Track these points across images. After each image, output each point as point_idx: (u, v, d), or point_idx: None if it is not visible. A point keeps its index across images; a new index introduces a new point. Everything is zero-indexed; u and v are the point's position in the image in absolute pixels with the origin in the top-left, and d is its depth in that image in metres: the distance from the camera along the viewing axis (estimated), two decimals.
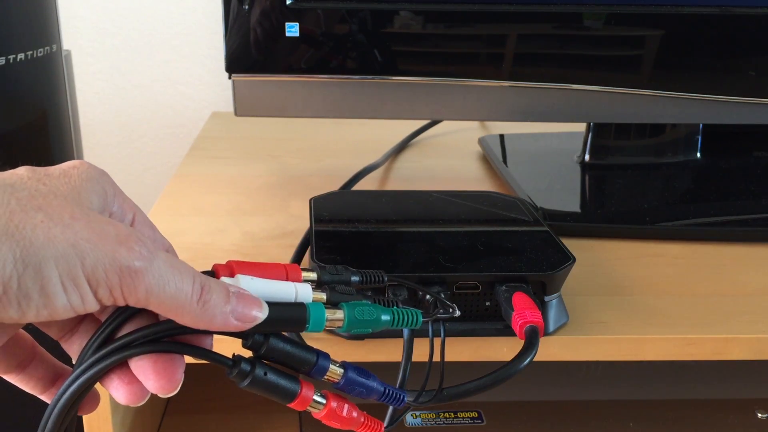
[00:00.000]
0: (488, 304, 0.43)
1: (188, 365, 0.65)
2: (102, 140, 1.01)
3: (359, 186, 0.66)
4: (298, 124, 0.86)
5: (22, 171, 0.28)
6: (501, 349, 0.43)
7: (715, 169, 0.69)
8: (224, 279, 0.31)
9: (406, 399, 0.35)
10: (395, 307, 0.34)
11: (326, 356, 0.33)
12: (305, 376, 0.33)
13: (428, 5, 0.55)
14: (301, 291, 0.33)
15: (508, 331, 0.42)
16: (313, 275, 0.34)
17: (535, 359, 0.38)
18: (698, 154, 0.70)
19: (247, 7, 0.54)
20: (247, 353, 0.32)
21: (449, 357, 0.43)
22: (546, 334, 0.43)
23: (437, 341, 0.38)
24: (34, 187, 0.27)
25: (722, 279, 0.52)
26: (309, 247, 0.47)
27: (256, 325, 0.30)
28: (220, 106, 1.00)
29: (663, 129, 0.69)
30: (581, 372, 0.60)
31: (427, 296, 0.40)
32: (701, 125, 0.69)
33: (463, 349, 0.43)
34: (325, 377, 0.33)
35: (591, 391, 0.58)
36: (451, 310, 0.38)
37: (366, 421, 0.34)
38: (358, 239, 0.46)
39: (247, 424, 0.56)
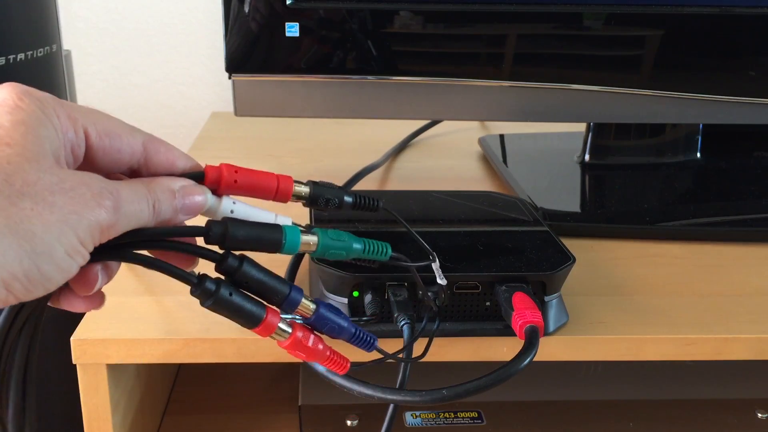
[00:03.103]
0: (488, 304, 0.43)
1: (188, 366, 0.65)
2: None
3: (359, 186, 0.66)
4: (298, 124, 0.86)
5: None
6: (501, 349, 0.43)
7: (715, 169, 0.69)
8: (209, 197, 0.32)
9: (376, 343, 0.35)
10: (367, 239, 0.35)
11: (299, 290, 0.33)
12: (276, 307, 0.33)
13: (428, 5, 0.55)
14: (281, 223, 0.33)
15: (508, 331, 0.42)
16: (305, 189, 0.35)
17: (535, 359, 0.38)
18: (698, 154, 0.70)
19: (247, 7, 0.54)
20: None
21: (449, 357, 0.44)
22: (546, 334, 0.43)
23: (435, 340, 0.38)
24: (3, 159, 0.27)
25: (722, 279, 0.52)
26: None
27: (234, 242, 0.31)
28: (220, 106, 1.00)
29: (663, 129, 0.69)
30: (581, 372, 0.60)
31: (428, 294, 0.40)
32: (701, 125, 0.69)
33: (463, 349, 0.43)
34: (297, 311, 0.33)
35: (591, 391, 0.58)
36: (431, 257, 0.38)
37: (332, 356, 0.34)
38: None
39: (247, 424, 0.56)
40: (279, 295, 0.32)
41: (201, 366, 0.62)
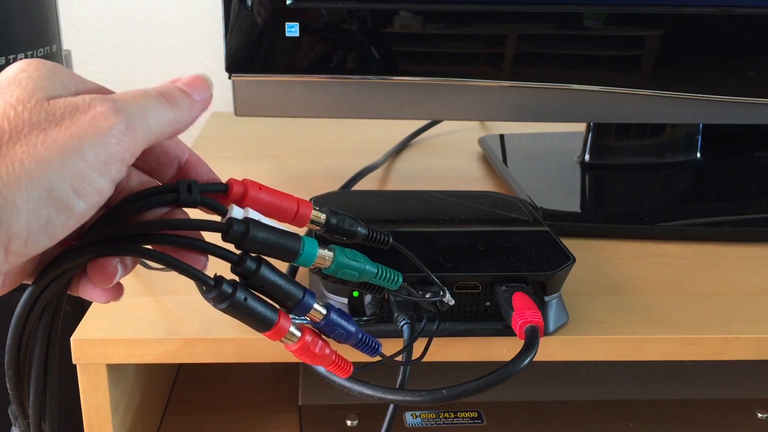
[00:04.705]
0: (488, 304, 0.43)
1: (188, 366, 0.65)
2: None
3: (359, 186, 0.66)
4: (298, 124, 0.86)
5: None
6: (501, 349, 0.43)
7: (715, 169, 0.69)
8: (234, 207, 0.32)
9: (380, 348, 0.35)
10: (381, 264, 0.35)
11: (312, 294, 0.32)
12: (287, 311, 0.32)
13: (428, 5, 0.55)
14: None
15: (508, 331, 0.42)
16: (322, 216, 0.34)
17: (535, 359, 0.38)
18: (698, 154, 0.70)
19: (247, 7, 0.54)
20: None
21: (449, 357, 0.44)
22: (546, 334, 0.43)
23: (435, 340, 0.38)
24: None
25: (722, 279, 0.52)
26: None
27: (253, 244, 0.31)
28: (220, 106, 0.99)
29: (663, 129, 0.69)
30: (581, 372, 0.60)
31: (428, 295, 0.40)
32: (701, 125, 0.69)
33: (463, 349, 0.43)
34: (308, 315, 0.33)
35: (591, 391, 0.58)
36: (442, 293, 0.38)
37: (337, 360, 0.34)
38: None
39: (247, 424, 0.56)
40: (293, 299, 0.32)
41: (201, 366, 0.62)
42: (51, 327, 0.31)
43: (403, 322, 0.39)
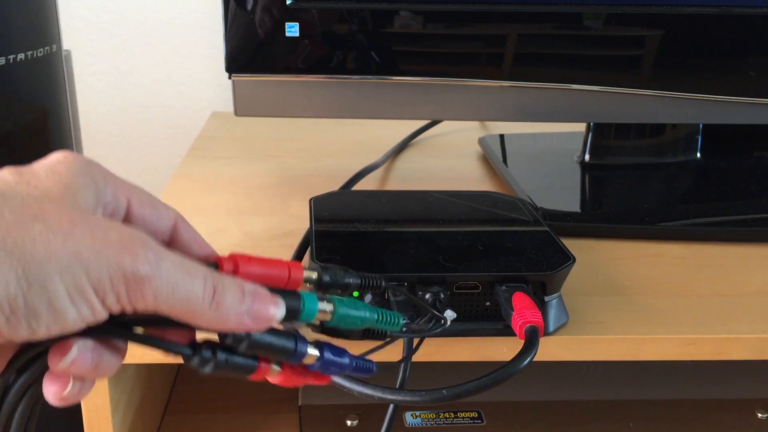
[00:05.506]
0: (488, 304, 0.43)
1: (186, 365, 0.65)
2: (102, 140, 1.01)
3: (359, 186, 0.66)
4: (298, 124, 0.86)
5: (7, 174, 0.27)
6: (501, 349, 0.43)
7: (715, 169, 0.69)
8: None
9: (375, 368, 0.34)
10: (380, 308, 0.34)
11: (303, 340, 0.32)
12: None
13: (428, 5, 0.55)
14: None
15: (508, 331, 0.42)
16: (314, 275, 0.34)
17: (535, 359, 0.38)
18: (698, 154, 0.70)
19: (247, 7, 0.54)
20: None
21: (449, 357, 0.44)
22: (546, 334, 0.43)
23: (435, 340, 0.38)
24: (25, 192, 0.26)
25: (722, 279, 0.52)
26: (309, 247, 0.47)
27: None
28: (220, 106, 1.00)
29: (663, 129, 0.69)
30: (581, 372, 0.60)
31: (427, 295, 0.40)
32: (701, 125, 0.69)
33: (463, 349, 0.43)
34: (303, 361, 0.32)
35: (591, 391, 0.58)
36: (442, 321, 0.38)
37: (315, 373, 0.33)
38: (358, 239, 0.46)
39: (247, 424, 0.56)
40: (286, 353, 0.31)
41: None
42: (30, 414, 0.29)
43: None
